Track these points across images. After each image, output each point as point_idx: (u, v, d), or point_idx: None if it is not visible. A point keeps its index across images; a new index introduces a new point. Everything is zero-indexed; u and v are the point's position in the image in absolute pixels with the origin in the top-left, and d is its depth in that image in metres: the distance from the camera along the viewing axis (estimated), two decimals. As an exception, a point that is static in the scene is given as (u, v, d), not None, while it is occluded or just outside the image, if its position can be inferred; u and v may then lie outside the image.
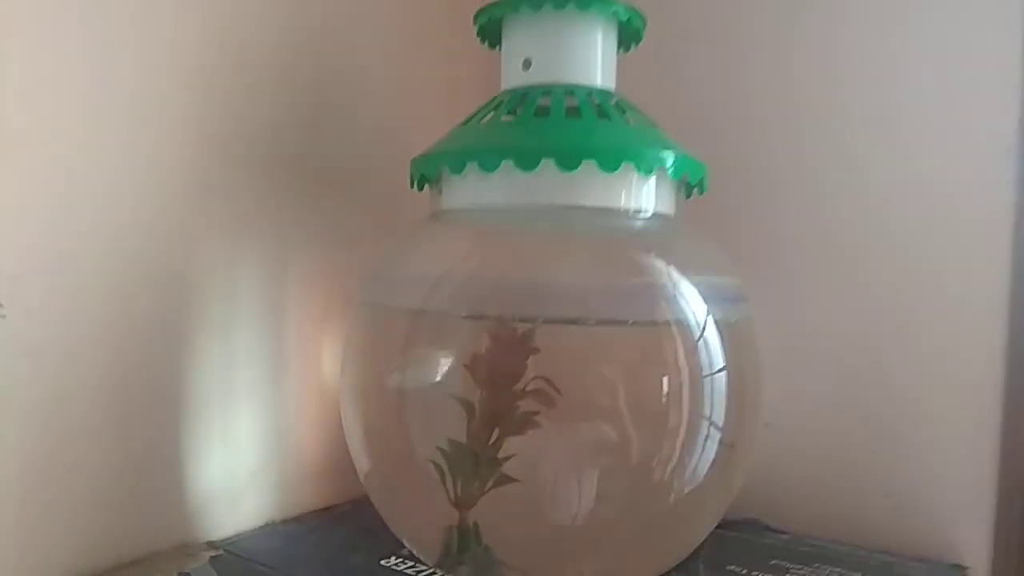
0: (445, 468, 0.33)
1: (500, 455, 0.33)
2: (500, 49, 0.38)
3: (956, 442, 0.44)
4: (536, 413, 0.32)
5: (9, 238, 0.32)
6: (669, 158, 0.34)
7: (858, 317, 0.46)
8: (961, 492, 0.44)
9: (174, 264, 0.39)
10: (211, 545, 0.40)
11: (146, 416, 0.38)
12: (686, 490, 0.33)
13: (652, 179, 0.35)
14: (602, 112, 0.35)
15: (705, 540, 0.37)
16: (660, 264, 0.34)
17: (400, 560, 0.38)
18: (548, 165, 0.32)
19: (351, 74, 0.48)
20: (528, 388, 0.32)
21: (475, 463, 0.33)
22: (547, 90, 0.35)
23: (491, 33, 0.39)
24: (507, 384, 0.33)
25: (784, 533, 0.45)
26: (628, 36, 0.38)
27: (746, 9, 0.50)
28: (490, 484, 0.33)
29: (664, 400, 0.32)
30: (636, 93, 0.38)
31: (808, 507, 0.47)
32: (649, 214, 0.35)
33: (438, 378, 0.34)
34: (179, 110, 0.38)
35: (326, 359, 0.47)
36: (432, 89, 0.54)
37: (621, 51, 0.38)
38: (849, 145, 0.47)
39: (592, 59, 0.36)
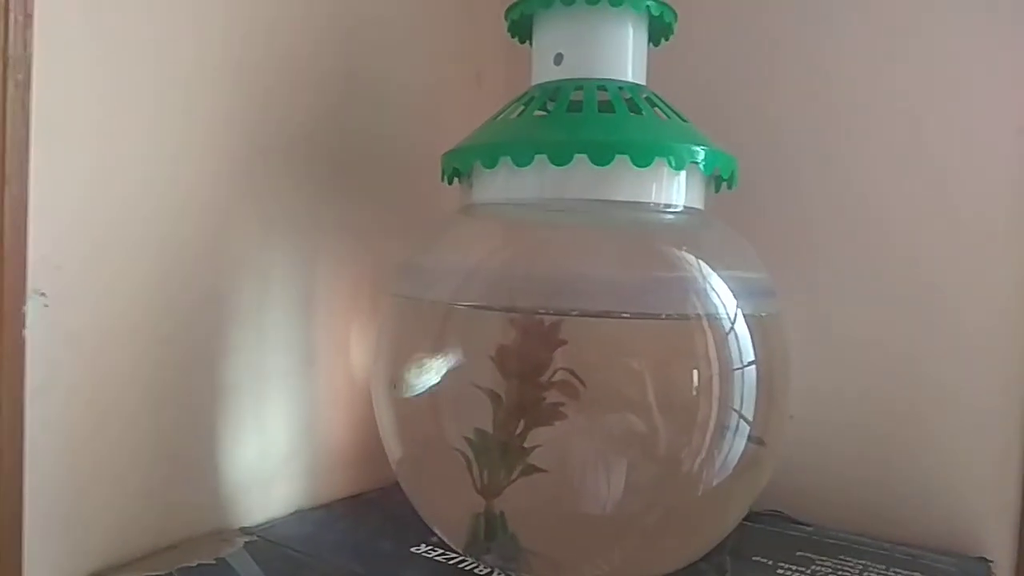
0: (472, 457, 0.34)
1: (526, 445, 0.33)
2: (531, 44, 0.38)
3: (981, 436, 0.44)
4: (562, 404, 0.33)
5: (53, 229, 0.33)
6: (701, 153, 0.34)
7: (885, 312, 0.46)
8: (986, 486, 0.44)
9: (210, 256, 0.39)
10: (244, 531, 0.41)
11: (181, 404, 0.38)
12: (715, 483, 0.33)
13: (683, 174, 0.35)
14: (634, 107, 0.35)
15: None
16: (691, 258, 0.35)
17: (429, 548, 0.39)
18: (581, 160, 0.33)
19: (381, 70, 0.48)
20: (553, 380, 0.33)
21: (501, 452, 0.34)
22: (579, 85, 0.35)
23: (522, 28, 0.39)
24: (533, 375, 0.33)
25: (807, 525, 0.45)
26: (659, 31, 0.38)
27: (775, 4, 0.50)
28: (516, 473, 0.34)
29: (694, 393, 0.33)
30: (666, 87, 0.38)
31: (832, 500, 0.47)
32: (680, 208, 0.35)
33: (467, 369, 0.35)
34: (216, 109, 0.39)
35: (354, 349, 0.47)
36: (457, 83, 0.54)
37: (651, 46, 0.38)
38: (878, 141, 0.47)
39: (623, 54, 0.36)
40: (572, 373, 0.33)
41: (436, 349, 0.35)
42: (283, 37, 0.42)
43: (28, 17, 0.30)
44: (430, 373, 0.34)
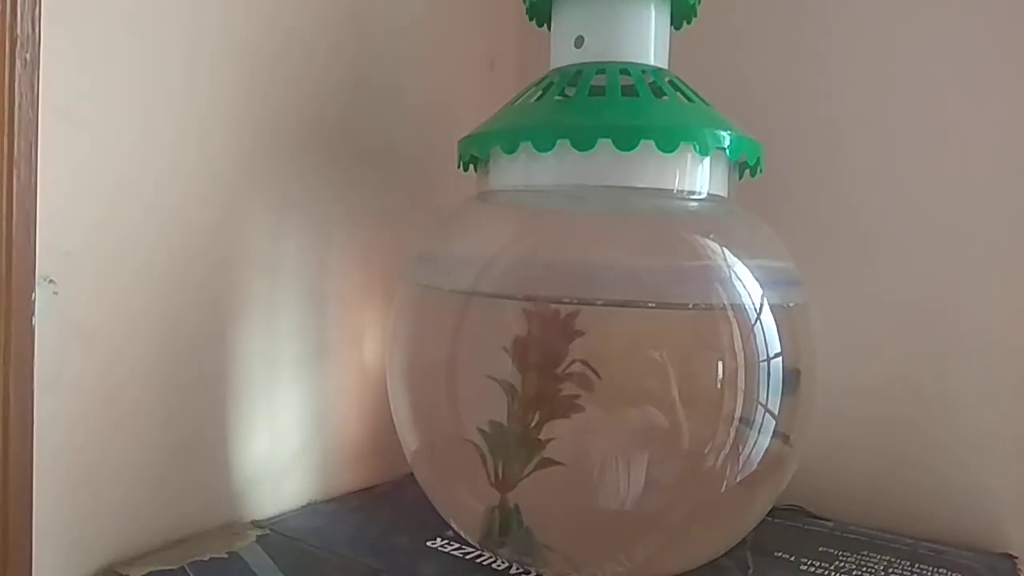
0: (485, 449, 0.33)
1: (542, 438, 0.32)
2: (548, 28, 0.37)
3: (1007, 430, 0.43)
4: (578, 396, 0.32)
5: (61, 215, 0.32)
6: (727, 138, 0.33)
7: (908, 305, 0.45)
8: (1011, 481, 0.43)
9: (221, 244, 0.38)
10: (256, 524, 0.40)
11: (191, 396, 0.38)
12: (738, 479, 0.33)
13: (708, 160, 0.34)
14: (657, 91, 0.34)
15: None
16: (715, 246, 0.34)
17: (446, 542, 0.38)
18: (604, 145, 0.32)
19: (393, 55, 0.47)
20: (568, 371, 0.32)
21: (516, 445, 0.33)
22: (601, 68, 0.34)
23: (540, 11, 0.38)
24: (547, 367, 0.32)
25: (827, 520, 0.44)
26: (682, 13, 0.37)
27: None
28: (531, 467, 0.33)
29: (718, 385, 0.32)
30: (686, 72, 0.37)
31: (853, 495, 0.46)
32: (704, 195, 0.34)
33: (482, 359, 0.34)
34: (227, 94, 0.38)
35: (367, 339, 0.47)
36: (470, 69, 0.53)
37: (673, 28, 0.37)
38: (905, 126, 0.46)
39: (646, 37, 0.35)
40: (587, 364, 0.32)
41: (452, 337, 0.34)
42: (289, 20, 0.41)
43: (36, -4, 0.29)
44: None
